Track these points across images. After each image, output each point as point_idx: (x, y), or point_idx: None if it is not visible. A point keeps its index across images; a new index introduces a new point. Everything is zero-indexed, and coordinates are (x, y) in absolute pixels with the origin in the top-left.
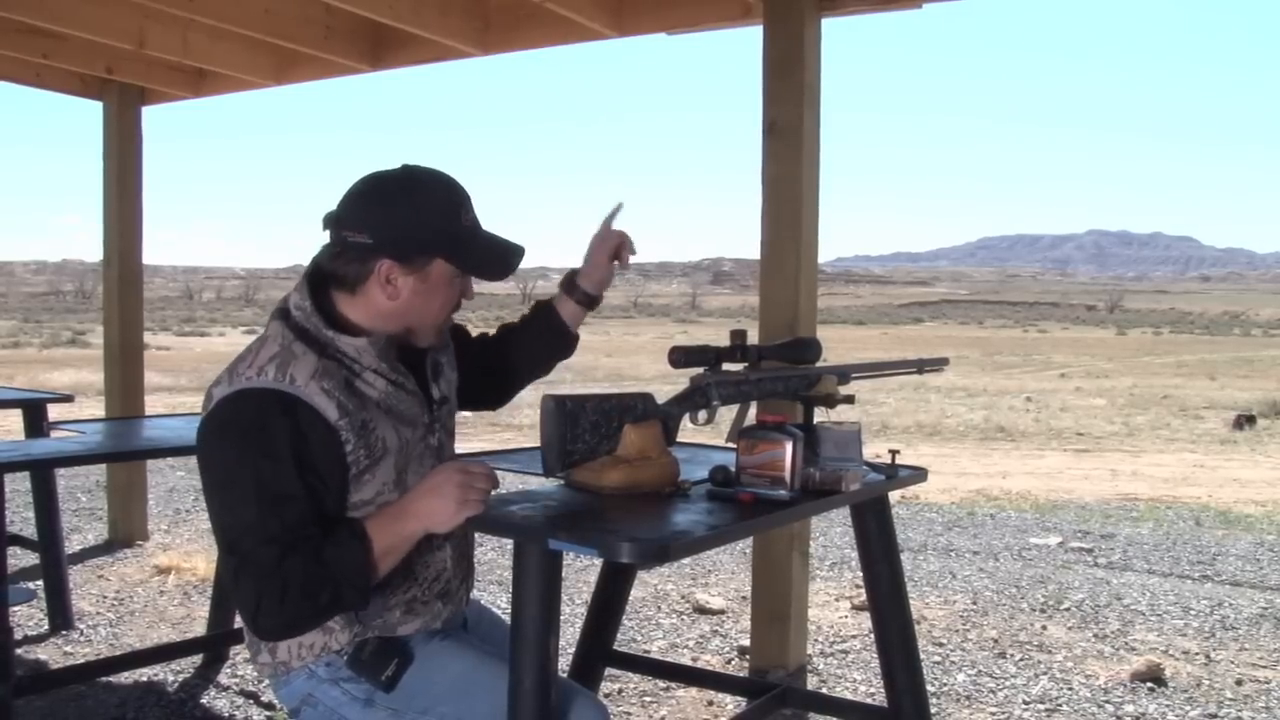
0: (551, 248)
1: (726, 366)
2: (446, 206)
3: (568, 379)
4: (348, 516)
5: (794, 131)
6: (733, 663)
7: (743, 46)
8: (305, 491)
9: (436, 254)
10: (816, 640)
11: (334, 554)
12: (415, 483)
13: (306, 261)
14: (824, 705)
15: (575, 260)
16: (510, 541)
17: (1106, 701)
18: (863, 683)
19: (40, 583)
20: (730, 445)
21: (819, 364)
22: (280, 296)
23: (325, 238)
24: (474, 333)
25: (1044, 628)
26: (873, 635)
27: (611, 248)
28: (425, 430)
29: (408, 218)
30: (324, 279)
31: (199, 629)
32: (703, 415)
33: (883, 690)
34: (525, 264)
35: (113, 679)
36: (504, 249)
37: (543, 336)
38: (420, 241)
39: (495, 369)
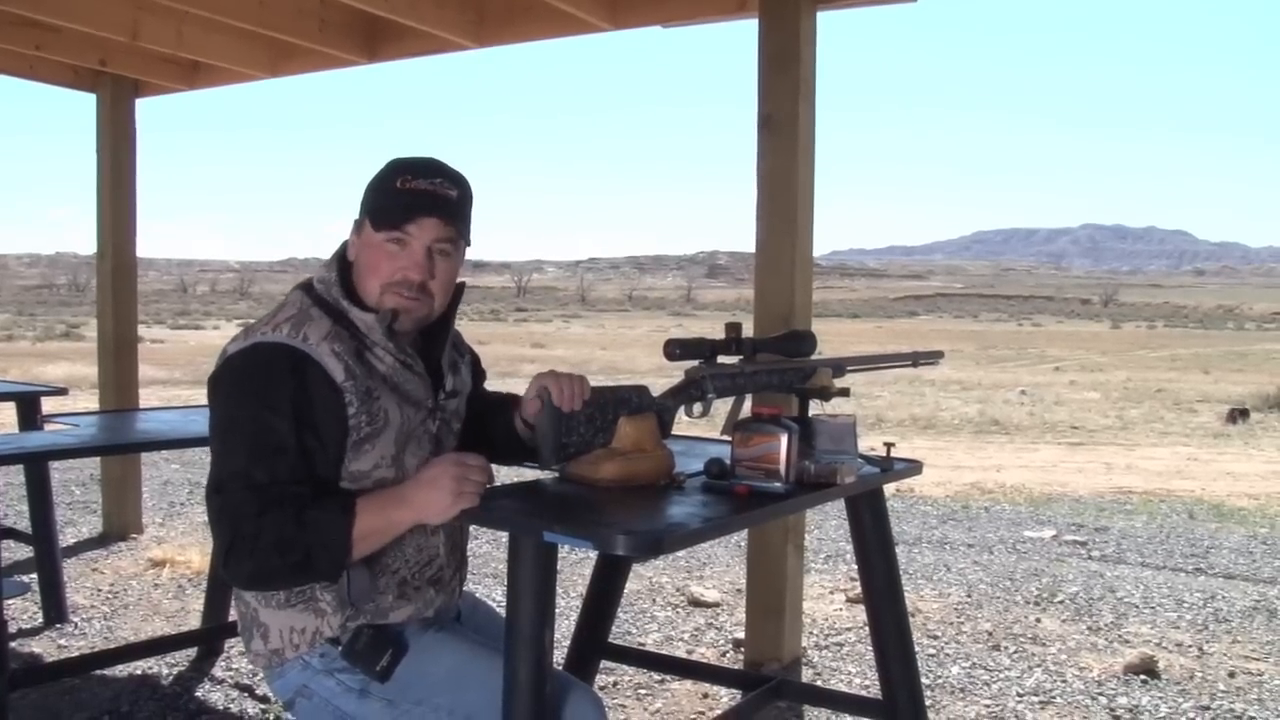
0: (547, 241)
1: (722, 359)
2: (387, 174)
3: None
4: (342, 488)
5: (789, 125)
6: (728, 655)
7: (739, 40)
8: (300, 449)
9: (366, 213)
10: (811, 633)
11: (315, 518)
12: (412, 464)
13: (301, 255)
14: (819, 698)
15: (569, 253)
16: (505, 534)
17: (1100, 694)
18: (857, 675)
19: (34, 576)
20: (725, 438)
21: (814, 357)
22: (275, 290)
23: (322, 231)
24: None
25: (1038, 620)
26: (867, 628)
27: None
28: (427, 414)
29: (366, 189)
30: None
31: (193, 622)
32: (698, 408)
33: (877, 683)
34: (520, 257)
35: (107, 672)
36: (415, 197)
37: (507, 433)
38: (363, 205)
39: (477, 417)
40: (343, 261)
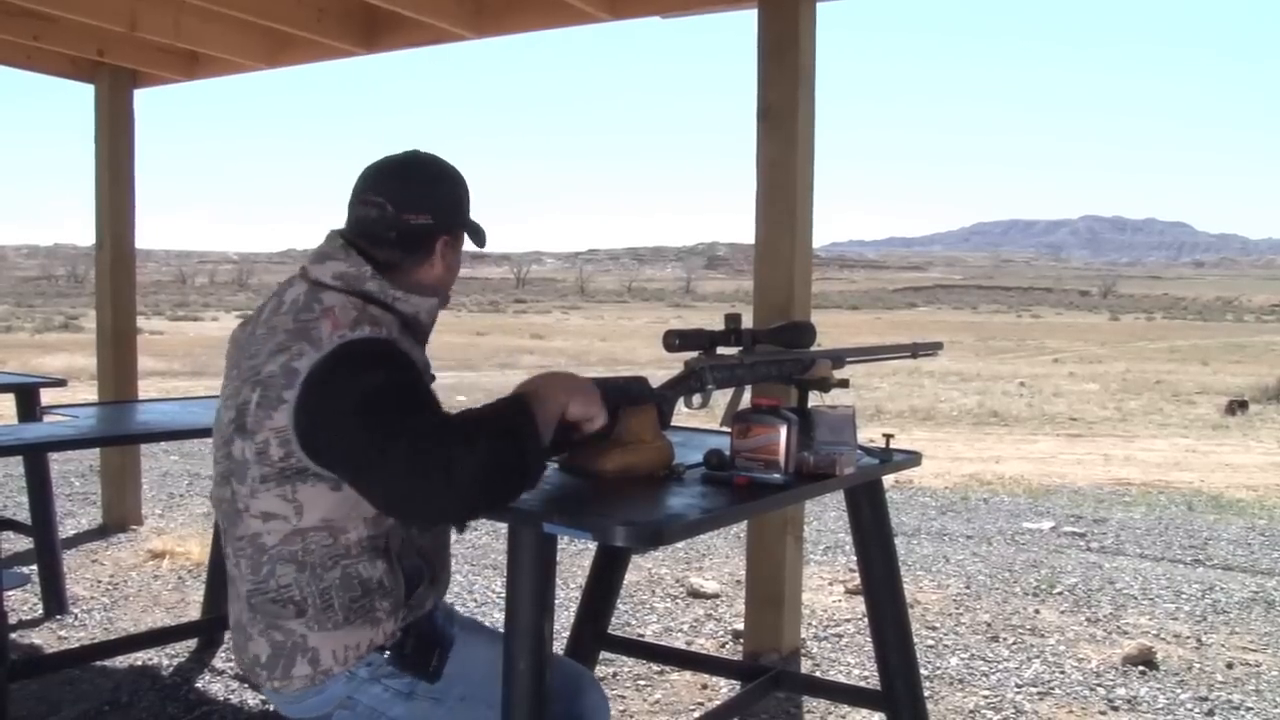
0: (546, 232)
1: (721, 351)
2: (465, 186)
3: (561, 363)
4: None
5: (789, 115)
6: (727, 646)
7: (738, 30)
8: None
9: (464, 228)
10: (810, 624)
11: (507, 420)
12: None
13: (300, 246)
14: (817, 688)
15: (569, 244)
16: (504, 525)
17: (1098, 685)
18: (856, 666)
19: (34, 567)
20: (725, 429)
21: (813, 348)
22: (273, 281)
23: (320, 221)
24: None
25: (1037, 612)
26: (866, 619)
27: None
28: None
29: (455, 196)
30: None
31: (193, 613)
32: (697, 399)
33: (876, 674)
34: (520, 249)
35: (107, 663)
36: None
37: None
38: (462, 217)
39: None
40: (365, 253)
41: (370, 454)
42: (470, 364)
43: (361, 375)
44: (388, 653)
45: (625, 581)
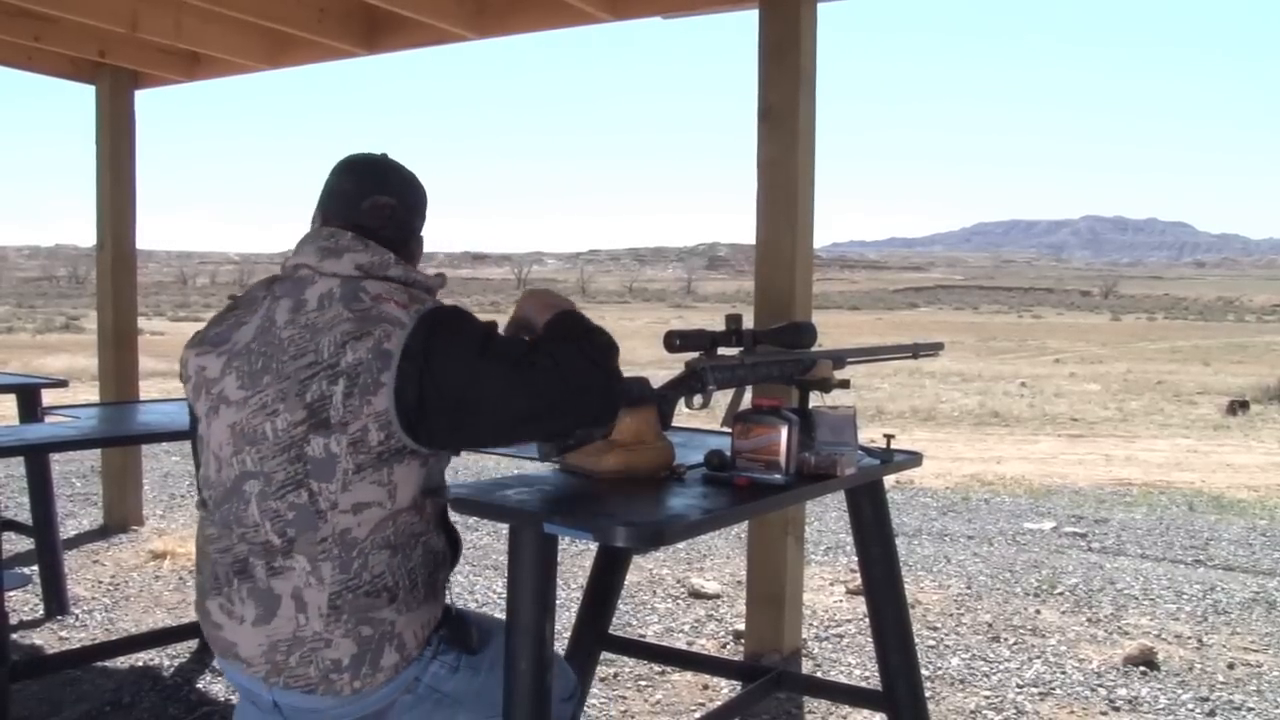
0: (547, 233)
1: (722, 351)
2: None
3: None
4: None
5: (789, 116)
6: (728, 647)
7: (738, 30)
8: None
9: None
10: (811, 624)
11: (582, 324)
12: None
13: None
14: (818, 689)
15: (570, 244)
16: (505, 526)
17: (1099, 685)
18: (857, 666)
19: (35, 568)
20: (726, 429)
21: (814, 348)
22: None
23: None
24: None
25: (1038, 612)
26: (867, 619)
27: None
28: None
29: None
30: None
31: (194, 614)
32: (698, 400)
33: (877, 674)
34: (520, 249)
35: (108, 664)
36: None
37: None
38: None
39: None
40: (383, 246)
41: (516, 384)
42: None
43: (463, 330)
44: (443, 630)
45: (626, 582)
